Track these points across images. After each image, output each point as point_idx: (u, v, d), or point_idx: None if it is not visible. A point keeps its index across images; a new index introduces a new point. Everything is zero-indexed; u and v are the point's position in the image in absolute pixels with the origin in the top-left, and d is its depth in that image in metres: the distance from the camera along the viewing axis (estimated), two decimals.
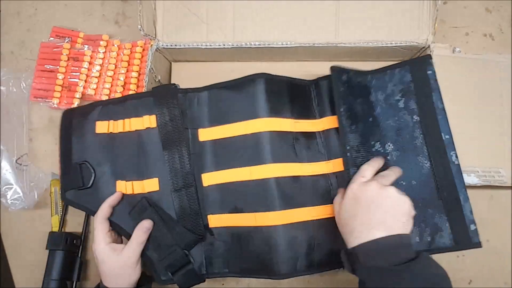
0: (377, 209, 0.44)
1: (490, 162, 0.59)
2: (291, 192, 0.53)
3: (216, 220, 0.55)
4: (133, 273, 0.52)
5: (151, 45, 0.63)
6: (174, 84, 0.58)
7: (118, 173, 0.56)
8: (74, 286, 0.64)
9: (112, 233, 0.55)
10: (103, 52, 0.71)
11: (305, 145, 0.55)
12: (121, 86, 0.70)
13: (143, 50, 0.71)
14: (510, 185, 0.60)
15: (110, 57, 0.71)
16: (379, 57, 0.66)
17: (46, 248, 0.64)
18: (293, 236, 0.52)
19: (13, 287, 0.67)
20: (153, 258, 0.53)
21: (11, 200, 0.66)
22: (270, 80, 0.55)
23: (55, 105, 0.70)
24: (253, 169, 0.53)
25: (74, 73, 0.71)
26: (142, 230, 0.52)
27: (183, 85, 0.68)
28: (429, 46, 0.61)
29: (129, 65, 0.71)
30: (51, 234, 0.65)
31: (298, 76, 0.67)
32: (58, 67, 0.71)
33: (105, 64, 0.71)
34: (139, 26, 0.59)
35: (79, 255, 0.65)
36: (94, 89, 0.70)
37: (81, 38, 0.73)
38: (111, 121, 0.57)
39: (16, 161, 0.68)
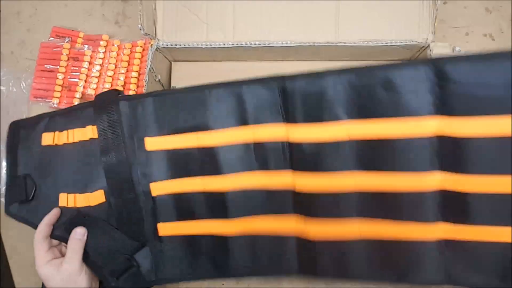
0: None
1: None
2: (250, 204, 0.50)
3: (166, 229, 0.53)
4: (79, 283, 0.50)
5: (151, 44, 0.63)
6: (118, 91, 0.56)
7: (62, 185, 0.54)
8: None
9: (54, 250, 0.53)
10: (103, 52, 0.71)
11: (265, 152, 0.50)
12: (121, 86, 0.70)
13: (143, 50, 0.71)
14: None
15: (110, 57, 0.71)
16: (379, 57, 0.66)
17: None
18: (248, 242, 0.51)
19: (13, 287, 0.67)
20: (97, 265, 0.52)
21: None
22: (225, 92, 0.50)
23: (55, 105, 0.70)
24: (207, 181, 0.50)
25: (74, 73, 0.71)
26: (76, 237, 0.51)
27: (183, 85, 0.68)
28: (429, 45, 0.61)
29: (129, 65, 0.71)
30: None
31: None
32: (58, 67, 0.71)
33: (105, 64, 0.71)
34: (139, 26, 0.59)
35: None
36: (94, 89, 0.70)
37: (81, 38, 0.73)
38: (57, 132, 0.55)
39: None
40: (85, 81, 0.70)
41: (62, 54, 0.71)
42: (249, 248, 0.51)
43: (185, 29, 0.63)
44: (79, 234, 0.51)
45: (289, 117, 0.48)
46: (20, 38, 0.75)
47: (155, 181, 0.52)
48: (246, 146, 0.49)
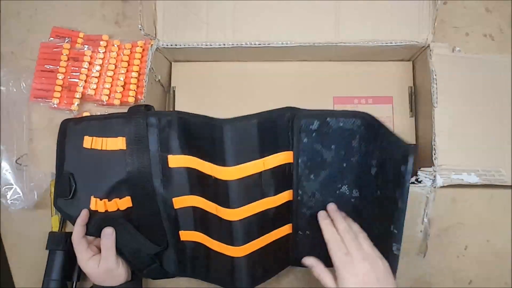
0: (371, 278, 0.48)
1: (490, 162, 0.59)
2: (255, 227, 0.55)
3: (187, 235, 0.59)
4: (118, 275, 0.56)
5: (151, 45, 0.63)
6: (149, 106, 0.58)
7: (94, 189, 0.58)
8: (74, 286, 0.64)
9: (92, 247, 0.58)
10: (103, 52, 0.71)
11: (272, 177, 0.54)
12: (121, 86, 0.70)
13: (143, 50, 0.71)
14: (510, 184, 0.60)
15: (110, 57, 0.71)
16: (379, 57, 0.66)
17: (46, 248, 0.64)
18: (253, 262, 0.57)
19: (13, 287, 0.67)
20: (125, 259, 0.58)
21: (11, 200, 0.66)
22: (238, 127, 0.52)
23: (55, 105, 0.70)
24: (219, 209, 0.54)
25: (74, 73, 0.71)
26: (105, 237, 0.56)
27: (183, 85, 0.68)
28: (428, 46, 0.61)
29: (129, 65, 0.71)
30: (51, 234, 0.65)
31: (299, 76, 0.67)
32: (58, 67, 0.71)
33: (105, 64, 0.71)
34: (139, 26, 0.59)
35: None
36: (94, 89, 0.70)
37: (81, 38, 0.73)
38: (94, 138, 0.58)
39: (16, 161, 0.68)
40: (85, 81, 0.70)
41: (62, 54, 0.71)
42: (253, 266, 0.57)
43: (185, 29, 0.63)
44: (108, 234, 0.56)
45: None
46: (20, 38, 0.75)
47: (177, 195, 0.57)
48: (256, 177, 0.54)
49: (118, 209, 0.58)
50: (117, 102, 0.69)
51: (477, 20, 0.71)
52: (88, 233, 0.58)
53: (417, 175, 0.58)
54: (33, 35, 0.74)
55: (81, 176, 0.58)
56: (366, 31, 0.62)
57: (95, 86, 0.70)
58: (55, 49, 0.71)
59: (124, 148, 0.56)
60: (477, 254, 0.66)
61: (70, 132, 0.60)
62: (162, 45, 0.63)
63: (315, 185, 0.55)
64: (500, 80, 0.62)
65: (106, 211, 0.57)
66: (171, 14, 0.64)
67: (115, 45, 0.71)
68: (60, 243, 0.64)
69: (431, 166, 0.57)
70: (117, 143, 0.56)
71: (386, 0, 0.61)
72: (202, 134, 0.53)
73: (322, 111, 0.55)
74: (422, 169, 0.58)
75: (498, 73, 0.62)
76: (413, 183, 0.59)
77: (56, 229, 0.67)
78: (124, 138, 0.56)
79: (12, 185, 0.67)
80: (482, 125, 0.61)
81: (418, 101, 0.66)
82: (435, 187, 0.57)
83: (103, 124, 0.58)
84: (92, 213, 0.58)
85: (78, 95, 0.70)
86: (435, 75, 0.59)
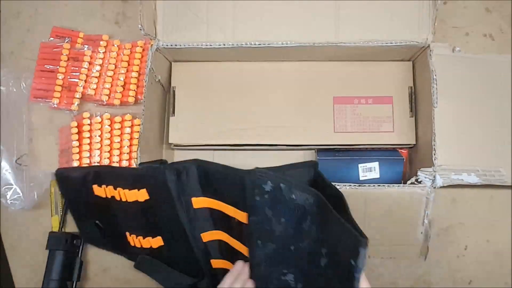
0: None
1: (490, 162, 0.59)
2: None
3: (217, 263, 0.61)
4: None
5: (151, 45, 0.63)
6: (162, 160, 0.59)
7: (125, 227, 0.62)
8: (74, 286, 0.64)
9: None
10: (103, 52, 0.71)
11: None
12: (121, 86, 0.70)
13: (143, 50, 0.71)
14: (510, 184, 0.60)
15: (110, 57, 0.71)
16: (379, 57, 0.66)
17: (46, 248, 0.64)
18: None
19: (13, 287, 0.67)
20: None
21: (10, 200, 0.66)
22: (261, 178, 0.49)
23: (55, 105, 0.70)
24: (244, 248, 0.55)
25: (74, 73, 0.71)
26: None
27: (183, 85, 0.68)
28: (428, 46, 0.61)
29: (129, 65, 0.71)
30: (51, 234, 0.65)
31: (299, 76, 0.67)
32: (58, 67, 0.71)
33: (105, 64, 0.71)
34: (140, 26, 0.59)
35: (79, 255, 0.66)
36: (94, 89, 0.70)
37: (81, 38, 0.73)
38: (108, 187, 0.59)
39: (16, 161, 0.68)
40: (85, 81, 0.70)
41: (62, 54, 0.71)
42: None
43: (185, 29, 0.63)
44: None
45: None
46: (20, 38, 0.75)
47: (204, 231, 0.58)
48: None
49: (151, 246, 0.61)
50: (117, 102, 0.69)
51: (477, 20, 0.71)
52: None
53: (417, 175, 0.58)
54: (33, 35, 0.74)
55: (105, 220, 0.64)
56: (366, 31, 0.62)
57: (95, 86, 0.70)
58: (55, 49, 0.71)
59: (147, 197, 0.57)
60: (477, 254, 0.66)
61: (71, 186, 0.63)
62: (162, 45, 0.63)
63: (261, 255, 0.51)
64: (500, 80, 0.62)
65: (142, 246, 0.61)
66: (171, 14, 0.63)
67: (115, 45, 0.71)
68: (60, 243, 0.64)
69: (431, 166, 0.57)
70: (139, 196, 0.57)
71: (386, 0, 0.61)
72: (223, 181, 0.53)
73: (278, 172, 0.49)
74: (422, 169, 0.58)
75: (498, 73, 0.62)
76: (413, 183, 0.59)
77: (56, 229, 0.67)
78: (145, 190, 0.57)
79: (12, 185, 0.67)
80: (482, 125, 0.61)
81: (418, 101, 0.66)
82: (435, 187, 0.57)
83: (113, 175, 0.60)
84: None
85: (78, 95, 0.70)
86: (435, 75, 0.59)
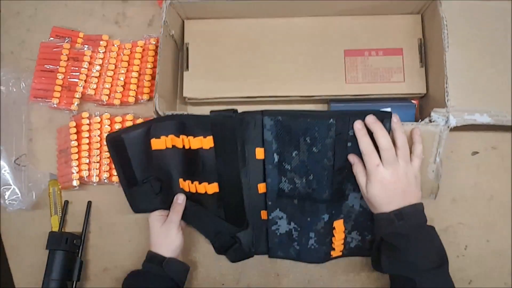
0: (409, 185, 0.54)
1: (501, 105, 0.59)
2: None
3: (266, 214, 0.63)
4: (174, 240, 0.61)
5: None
6: (233, 109, 0.60)
7: (181, 173, 0.63)
8: (74, 286, 0.64)
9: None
10: (103, 52, 0.71)
11: None
12: (121, 86, 0.70)
13: (143, 50, 0.71)
14: None
15: (110, 57, 0.71)
16: (389, 10, 0.66)
17: (46, 248, 0.64)
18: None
19: (13, 287, 0.67)
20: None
21: (9, 200, 0.66)
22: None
23: (55, 105, 0.70)
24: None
25: (74, 73, 0.71)
26: (176, 202, 0.63)
27: (196, 41, 0.68)
28: None
29: (129, 65, 0.71)
30: (51, 234, 0.65)
31: (310, 30, 0.68)
32: (58, 67, 0.71)
33: (105, 64, 0.71)
34: None
35: (79, 255, 0.65)
36: (94, 89, 0.70)
37: (81, 38, 0.73)
38: (169, 136, 0.60)
39: (14, 161, 0.68)
40: (85, 81, 0.70)
41: (62, 54, 0.71)
42: None
43: None
44: (179, 200, 0.63)
45: None
46: (20, 38, 0.75)
47: (261, 182, 0.62)
48: None
49: (206, 192, 0.62)
50: (117, 102, 0.69)
51: None
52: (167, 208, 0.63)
53: (430, 116, 0.58)
54: (33, 35, 0.74)
55: (163, 173, 0.63)
56: None
57: (95, 86, 0.70)
58: (55, 49, 0.71)
59: (212, 145, 0.59)
60: (477, 254, 0.66)
61: (129, 143, 0.62)
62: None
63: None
64: (509, 26, 0.62)
65: (196, 192, 0.62)
66: None
67: (115, 45, 0.71)
68: (60, 243, 0.64)
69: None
70: (203, 143, 0.59)
71: None
72: (294, 129, 0.58)
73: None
74: (435, 109, 0.58)
75: (507, 19, 0.62)
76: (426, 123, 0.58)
77: (56, 229, 0.67)
78: (211, 137, 0.59)
79: (11, 185, 0.67)
80: (493, 69, 0.61)
81: (428, 52, 0.66)
82: (448, 127, 0.57)
83: (176, 124, 0.60)
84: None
85: (78, 95, 0.70)
86: (446, 20, 0.59)
